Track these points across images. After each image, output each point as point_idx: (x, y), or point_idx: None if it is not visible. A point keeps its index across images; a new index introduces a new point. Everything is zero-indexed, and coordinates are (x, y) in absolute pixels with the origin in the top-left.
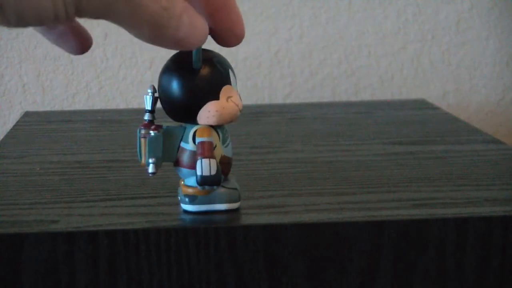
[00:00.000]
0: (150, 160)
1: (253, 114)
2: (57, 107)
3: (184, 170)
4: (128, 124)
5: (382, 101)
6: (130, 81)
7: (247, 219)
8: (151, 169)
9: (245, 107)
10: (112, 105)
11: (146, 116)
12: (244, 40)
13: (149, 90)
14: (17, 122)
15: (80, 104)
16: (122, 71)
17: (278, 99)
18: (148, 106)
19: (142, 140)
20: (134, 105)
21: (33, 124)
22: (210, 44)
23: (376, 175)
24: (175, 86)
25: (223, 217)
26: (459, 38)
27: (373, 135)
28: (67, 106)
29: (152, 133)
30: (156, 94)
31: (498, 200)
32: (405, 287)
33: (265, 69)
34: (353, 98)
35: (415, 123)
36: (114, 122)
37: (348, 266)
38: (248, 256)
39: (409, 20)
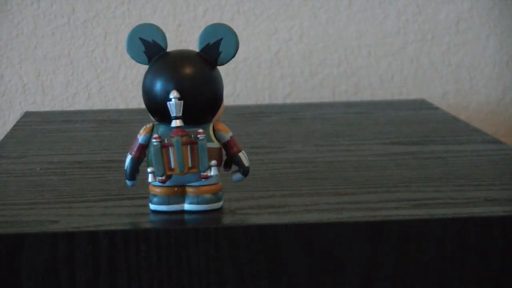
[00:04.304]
0: (212, 163)
1: (253, 114)
2: (57, 107)
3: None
4: (128, 124)
5: (382, 101)
6: (130, 81)
7: (247, 219)
8: (213, 171)
9: (245, 107)
10: (112, 105)
11: (175, 123)
12: (244, 40)
13: (173, 96)
14: (17, 122)
15: (80, 104)
16: (122, 71)
17: (278, 99)
18: (179, 112)
19: (185, 147)
20: (134, 105)
21: (33, 124)
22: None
23: (376, 175)
24: (212, 84)
25: (223, 217)
26: (459, 38)
27: (373, 135)
28: (67, 106)
29: (200, 137)
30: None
31: (498, 200)
32: (405, 287)
33: (265, 69)
34: (353, 98)
35: (415, 123)
36: (114, 122)
37: (348, 266)
38: (248, 256)
39: (409, 20)
